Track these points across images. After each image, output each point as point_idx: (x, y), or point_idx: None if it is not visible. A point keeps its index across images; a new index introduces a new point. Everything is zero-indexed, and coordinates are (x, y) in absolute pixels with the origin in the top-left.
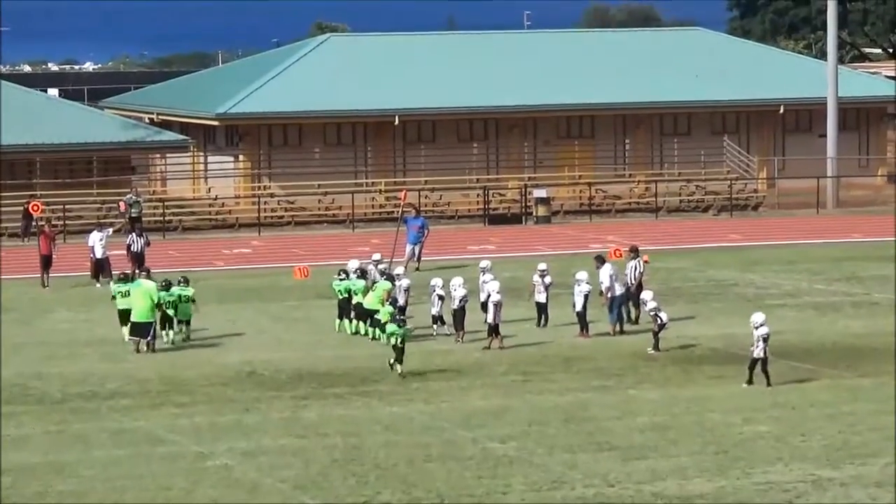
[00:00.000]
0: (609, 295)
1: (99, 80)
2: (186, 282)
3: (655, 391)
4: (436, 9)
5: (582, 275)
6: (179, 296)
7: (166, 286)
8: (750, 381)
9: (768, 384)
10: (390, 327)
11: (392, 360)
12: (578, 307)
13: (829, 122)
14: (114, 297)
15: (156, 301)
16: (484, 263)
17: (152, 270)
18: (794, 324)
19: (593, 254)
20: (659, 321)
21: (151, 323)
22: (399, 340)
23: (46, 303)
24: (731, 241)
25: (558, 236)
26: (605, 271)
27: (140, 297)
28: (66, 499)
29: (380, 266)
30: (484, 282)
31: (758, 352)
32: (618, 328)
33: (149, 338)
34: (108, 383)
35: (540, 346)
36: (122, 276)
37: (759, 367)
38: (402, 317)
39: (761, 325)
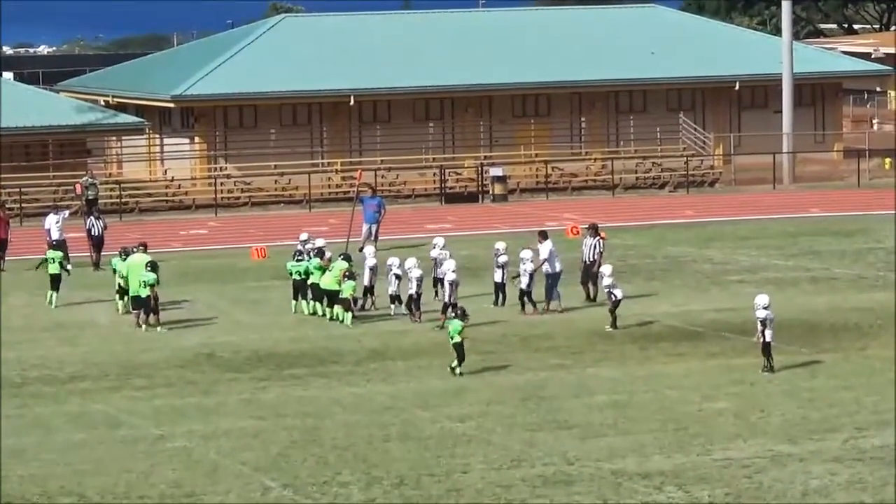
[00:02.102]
0: (546, 271)
1: (54, 63)
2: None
3: (613, 369)
4: None
5: (526, 253)
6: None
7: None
8: (769, 368)
9: (768, 367)
10: (455, 325)
11: (454, 364)
12: (523, 285)
13: (785, 97)
14: (45, 262)
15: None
16: (437, 240)
17: (109, 252)
18: (752, 300)
19: (550, 231)
20: (613, 298)
21: (150, 296)
22: (460, 336)
23: (3, 286)
24: (687, 217)
25: (515, 214)
26: (546, 247)
27: (137, 273)
28: (26, 483)
29: (307, 245)
30: (441, 259)
31: (768, 335)
32: (549, 307)
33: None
34: (67, 367)
35: (497, 325)
36: (53, 243)
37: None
38: (459, 310)
39: (763, 308)
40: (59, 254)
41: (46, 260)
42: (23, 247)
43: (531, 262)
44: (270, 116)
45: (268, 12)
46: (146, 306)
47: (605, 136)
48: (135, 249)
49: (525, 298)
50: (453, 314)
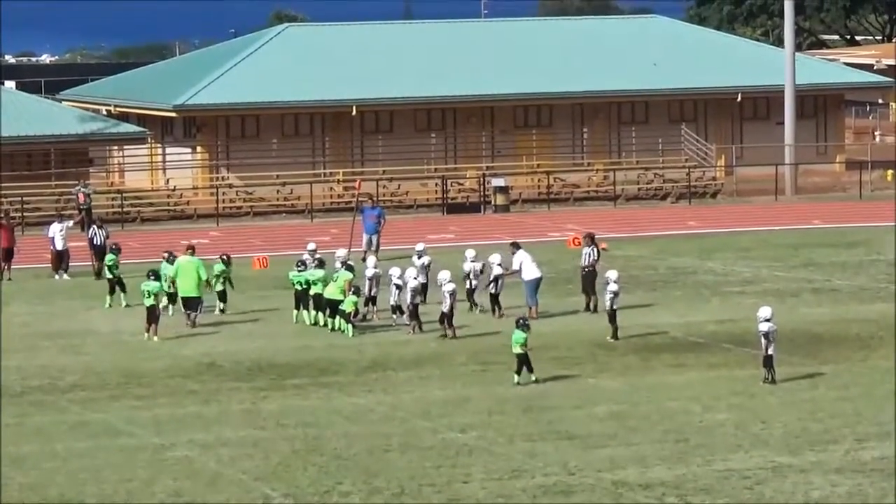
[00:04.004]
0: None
1: (56, 72)
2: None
3: (615, 380)
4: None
5: (494, 257)
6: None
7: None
8: (771, 380)
9: (770, 380)
10: (518, 335)
11: (520, 372)
12: (492, 290)
13: (787, 109)
14: (110, 268)
15: (203, 277)
16: (419, 246)
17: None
18: (753, 311)
19: (552, 242)
20: (607, 305)
21: (199, 298)
22: (521, 348)
23: (6, 295)
24: (689, 228)
25: (517, 225)
26: (518, 257)
27: (185, 274)
28: (25, 491)
29: (317, 255)
30: (424, 265)
31: (770, 348)
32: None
33: (198, 311)
34: (68, 375)
35: (498, 335)
36: (112, 247)
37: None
38: (527, 321)
39: (765, 321)
40: (113, 257)
41: (109, 267)
42: (25, 256)
43: (498, 265)
44: (272, 126)
45: (270, 21)
46: (151, 315)
47: (608, 146)
48: (188, 252)
49: (493, 302)
50: (525, 323)
